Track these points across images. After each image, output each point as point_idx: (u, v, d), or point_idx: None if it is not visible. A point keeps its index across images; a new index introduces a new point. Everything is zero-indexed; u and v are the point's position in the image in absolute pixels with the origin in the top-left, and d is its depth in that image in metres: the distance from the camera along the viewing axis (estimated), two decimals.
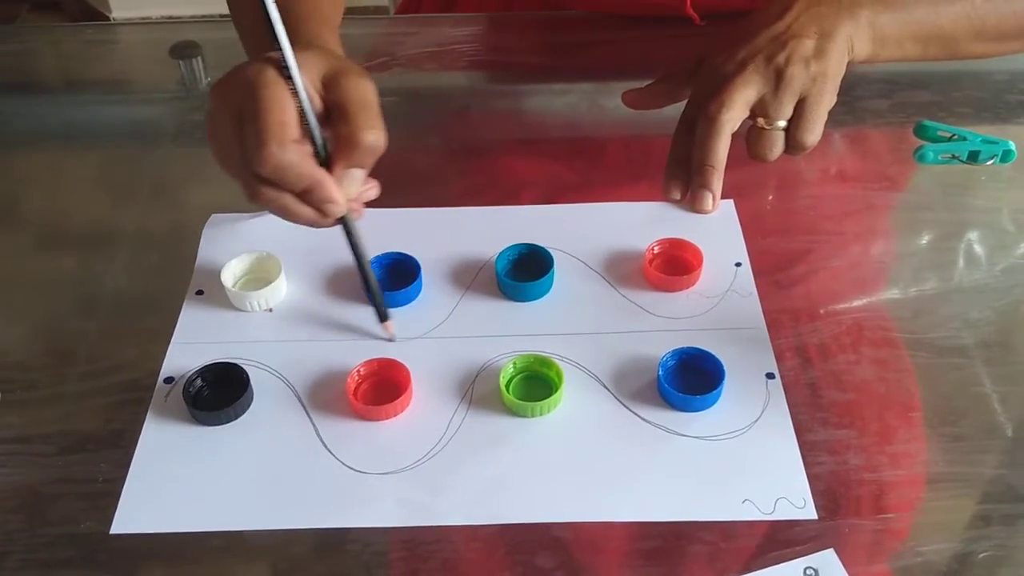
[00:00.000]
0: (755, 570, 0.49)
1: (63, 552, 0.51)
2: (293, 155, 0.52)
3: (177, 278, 0.65)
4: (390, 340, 0.61)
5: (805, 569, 0.49)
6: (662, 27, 0.88)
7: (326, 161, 0.55)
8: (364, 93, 0.55)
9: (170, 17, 0.96)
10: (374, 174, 0.77)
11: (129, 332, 0.63)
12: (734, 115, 0.66)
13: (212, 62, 0.87)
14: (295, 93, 0.53)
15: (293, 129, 0.53)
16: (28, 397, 0.59)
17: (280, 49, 0.53)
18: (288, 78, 0.53)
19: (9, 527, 0.52)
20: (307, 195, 0.55)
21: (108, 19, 0.96)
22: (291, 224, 0.69)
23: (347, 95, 0.54)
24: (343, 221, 0.58)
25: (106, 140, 0.83)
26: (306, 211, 0.56)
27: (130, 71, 0.92)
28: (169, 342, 0.61)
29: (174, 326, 0.62)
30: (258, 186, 0.54)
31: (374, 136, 0.54)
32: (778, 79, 0.66)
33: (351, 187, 0.56)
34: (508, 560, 0.50)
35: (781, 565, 0.49)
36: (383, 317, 0.61)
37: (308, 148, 0.54)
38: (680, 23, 0.86)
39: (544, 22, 0.93)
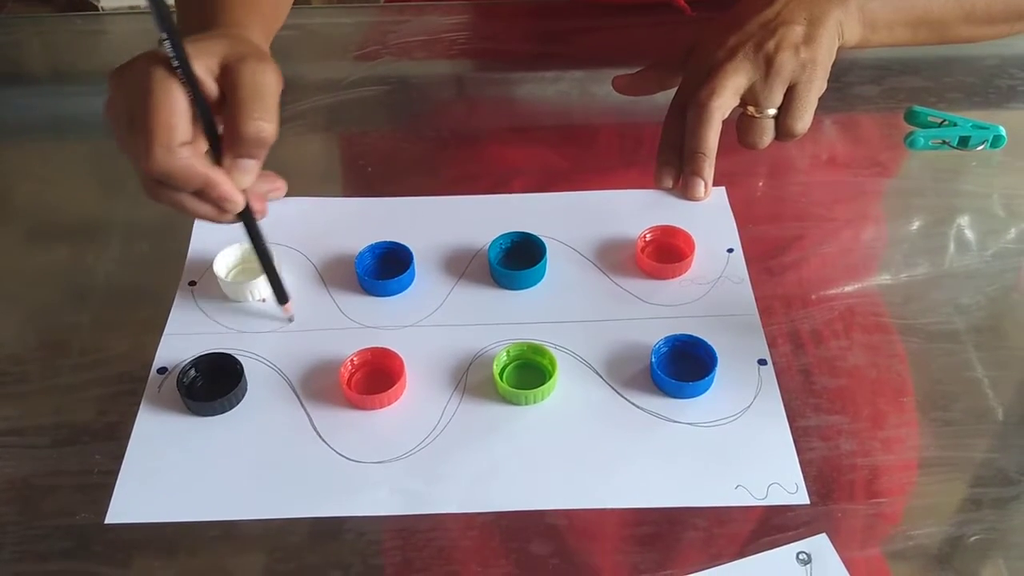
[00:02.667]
0: (748, 555, 0.50)
1: (59, 544, 0.51)
2: (180, 159, 0.52)
3: (169, 269, 0.65)
4: (290, 320, 0.62)
5: (798, 554, 0.50)
6: (653, 15, 0.88)
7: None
8: (258, 81, 0.53)
9: None
10: (372, 160, 0.77)
11: (122, 323, 0.63)
12: (724, 102, 0.66)
13: None
14: (186, 84, 0.52)
15: (181, 131, 0.52)
16: (21, 389, 0.59)
17: (166, 41, 0.51)
18: (177, 69, 0.52)
19: (4, 519, 0.52)
20: (202, 194, 0.55)
21: (97, 9, 0.96)
22: (284, 214, 0.69)
23: (239, 83, 0.53)
24: (243, 215, 0.58)
25: (96, 131, 0.82)
26: (205, 208, 0.56)
27: (119, 61, 0.91)
28: (162, 333, 0.61)
29: (167, 317, 0.62)
30: (153, 186, 0.54)
31: (257, 127, 0.53)
32: (768, 66, 0.66)
33: (242, 178, 0.55)
34: (503, 548, 0.50)
35: (774, 550, 0.50)
36: (282, 300, 0.61)
37: (200, 146, 0.54)
38: (670, 11, 0.86)
39: (534, 10, 0.93)
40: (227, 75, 0.54)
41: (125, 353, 0.61)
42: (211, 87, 0.54)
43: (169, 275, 0.65)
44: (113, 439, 0.55)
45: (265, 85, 0.53)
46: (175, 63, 0.52)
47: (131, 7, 0.97)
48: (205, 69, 0.53)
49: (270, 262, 0.60)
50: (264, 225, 0.68)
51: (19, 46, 0.93)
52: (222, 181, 0.54)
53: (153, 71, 0.52)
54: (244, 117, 0.53)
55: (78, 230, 0.71)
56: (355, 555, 0.50)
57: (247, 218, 0.58)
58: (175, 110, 0.52)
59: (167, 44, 0.51)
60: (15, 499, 0.53)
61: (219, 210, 0.56)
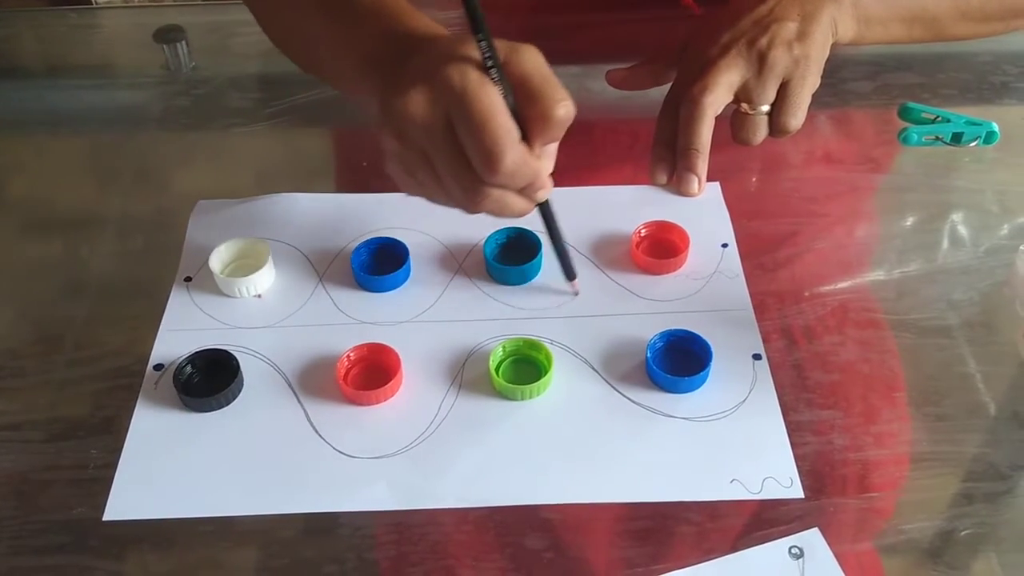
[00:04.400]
0: (741, 550, 0.50)
1: (55, 538, 0.51)
2: (523, 155, 0.52)
3: (164, 264, 0.65)
4: (575, 295, 0.63)
5: (790, 548, 0.50)
6: (650, 10, 0.87)
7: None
8: (540, 65, 0.53)
9: (153, 1, 0.96)
10: (368, 155, 0.76)
11: (117, 318, 0.63)
12: (717, 98, 0.67)
13: (196, 46, 0.86)
14: (497, 83, 0.51)
15: (516, 129, 0.51)
16: (16, 384, 0.59)
17: (482, 42, 0.51)
18: (490, 68, 0.51)
19: (0, 514, 0.52)
20: (525, 189, 0.54)
21: (91, 3, 0.95)
22: (279, 210, 0.69)
23: (528, 72, 0.52)
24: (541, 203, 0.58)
25: (91, 125, 0.82)
26: (520, 203, 0.55)
27: (114, 56, 0.91)
28: (157, 328, 0.61)
29: (162, 313, 0.62)
30: (484, 190, 0.53)
31: (565, 108, 0.52)
32: (761, 63, 0.66)
33: (549, 163, 0.55)
34: (497, 542, 0.51)
35: (767, 544, 0.50)
36: (570, 276, 0.63)
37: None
38: (668, 6, 0.86)
39: (531, 5, 0.92)
40: (510, 67, 0.53)
41: (120, 348, 0.61)
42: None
43: (164, 270, 0.65)
44: (109, 434, 0.56)
45: (546, 67, 0.53)
46: (489, 63, 0.51)
47: (125, 1, 0.96)
48: None
49: (561, 240, 0.61)
50: (258, 220, 0.68)
51: (13, 40, 0.93)
52: (544, 172, 0.54)
53: (469, 76, 0.51)
54: (549, 103, 0.52)
55: (73, 224, 0.71)
56: (350, 550, 0.50)
57: (545, 204, 0.58)
58: (506, 110, 0.51)
59: (483, 45, 0.51)
60: (11, 494, 0.53)
61: (529, 200, 0.56)
